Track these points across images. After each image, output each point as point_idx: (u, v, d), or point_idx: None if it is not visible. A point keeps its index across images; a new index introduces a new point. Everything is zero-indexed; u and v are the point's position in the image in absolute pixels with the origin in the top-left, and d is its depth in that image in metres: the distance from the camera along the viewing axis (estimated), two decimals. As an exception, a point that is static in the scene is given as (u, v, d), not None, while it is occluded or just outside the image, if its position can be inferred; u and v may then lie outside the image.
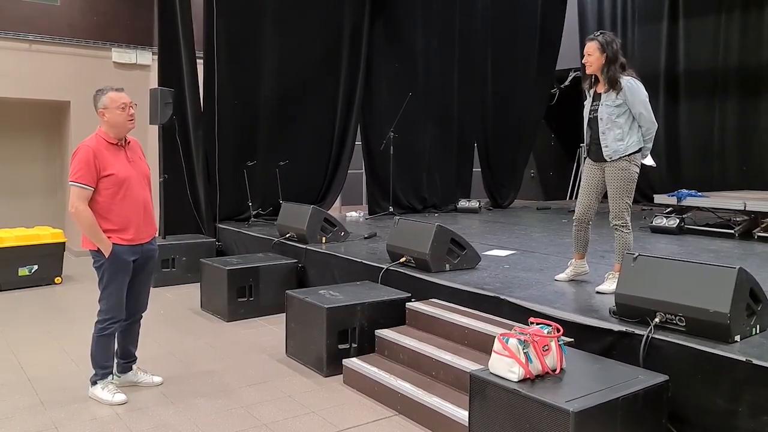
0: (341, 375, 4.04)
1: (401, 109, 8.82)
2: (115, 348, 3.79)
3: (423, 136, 9.63)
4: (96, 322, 3.67)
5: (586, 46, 3.98)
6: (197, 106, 7.71)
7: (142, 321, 3.95)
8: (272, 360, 4.46)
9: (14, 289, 6.56)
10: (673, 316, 3.09)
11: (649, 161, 4.23)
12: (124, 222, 3.59)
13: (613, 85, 3.90)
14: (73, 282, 7.03)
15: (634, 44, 10.87)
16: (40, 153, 9.19)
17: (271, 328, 5.24)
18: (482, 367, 2.98)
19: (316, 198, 8.54)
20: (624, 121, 3.92)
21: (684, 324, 3.06)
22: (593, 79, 4.09)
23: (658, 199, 7.85)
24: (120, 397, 3.65)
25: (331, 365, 4.10)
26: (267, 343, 4.83)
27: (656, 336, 3.07)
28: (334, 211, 8.92)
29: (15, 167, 8.95)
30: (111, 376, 3.74)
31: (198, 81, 7.73)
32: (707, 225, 7.21)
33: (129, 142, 3.74)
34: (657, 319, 3.13)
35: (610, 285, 3.95)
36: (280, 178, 8.05)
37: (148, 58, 8.97)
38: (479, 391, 2.82)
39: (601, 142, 3.99)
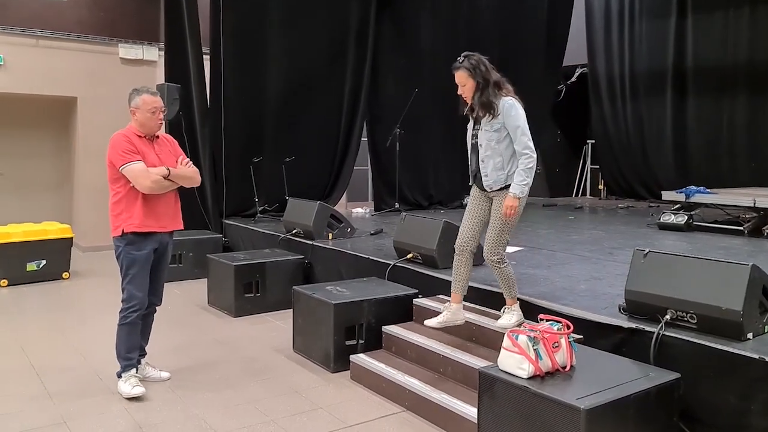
0: (348, 371, 4.03)
1: (407, 106, 8.80)
2: (138, 338, 3.78)
3: (429, 132, 9.60)
4: (119, 311, 3.70)
5: (455, 76, 3.53)
6: (204, 102, 7.71)
7: None
8: (279, 356, 4.46)
9: (22, 284, 6.59)
10: (684, 314, 3.07)
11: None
12: (148, 211, 3.65)
13: (488, 109, 3.47)
14: (81, 277, 7.04)
15: (642, 40, 10.81)
16: (48, 148, 9.21)
17: (278, 324, 5.24)
18: (491, 363, 2.97)
19: (322, 194, 8.53)
20: (504, 148, 3.47)
21: (695, 321, 3.03)
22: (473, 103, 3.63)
23: (666, 195, 7.81)
24: (138, 389, 3.64)
25: (339, 361, 4.09)
26: (274, 339, 4.82)
27: (667, 333, 3.05)
28: (340, 207, 8.91)
29: (22, 162, 8.98)
30: (134, 369, 3.74)
31: (205, 77, 7.73)
32: (716, 222, 7.16)
33: (157, 137, 3.83)
34: (668, 316, 3.11)
35: (508, 319, 3.61)
36: (286, 174, 8.04)
37: (154, 53, 8.97)
38: (488, 387, 2.81)
39: (481, 171, 3.56)
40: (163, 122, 3.79)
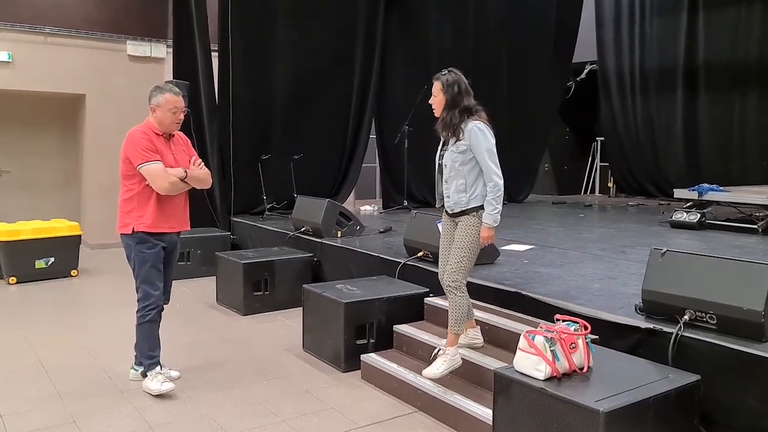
0: (359, 371, 3.99)
1: (416, 103, 8.72)
2: (158, 335, 3.76)
3: (438, 129, 9.53)
4: (136, 311, 3.67)
5: (433, 85, 3.47)
6: (212, 99, 7.68)
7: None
8: (289, 355, 4.42)
9: (31, 281, 6.58)
10: (703, 314, 3.01)
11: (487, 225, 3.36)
12: (160, 211, 3.61)
13: (451, 131, 3.40)
14: (89, 275, 7.04)
15: (652, 37, 10.71)
16: (56, 146, 9.21)
17: (287, 323, 5.20)
18: (506, 364, 2.92)
19: (330, 192, 8.50)
20: (468, 171, 3.37)
21: (715, 322, 2.97)
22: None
23: (678, 193, 7.73)
24: (168, 385, 3.63)
25: (349, 360, 4.06)
26: (283, 338, 4.79)
27: (685, 334, 2.99)
28: (348, 204, 8.87)
29: (31, 160, 8.98)
30: (159, 366, 3.72)
31: (213, 74, 7.69)
32: (728, 220, 7.08)
33: (173, 135, 3.79)
34: (686, 317, 3.05)
35: (438, 366, 3.41)
36: (294, 172, 8.00)
37: (162, 51, 8.95)
38: (504, 389, 2.76)
39: (444, 192, 3.51)
40: (182, 122, 3.73)
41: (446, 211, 3.56)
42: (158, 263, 3.67)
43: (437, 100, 3.46)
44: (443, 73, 3.46)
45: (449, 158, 3.44)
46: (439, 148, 3.58)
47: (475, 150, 3.35)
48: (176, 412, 3.46)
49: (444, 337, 3.80)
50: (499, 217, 3.37)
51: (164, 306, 3.87)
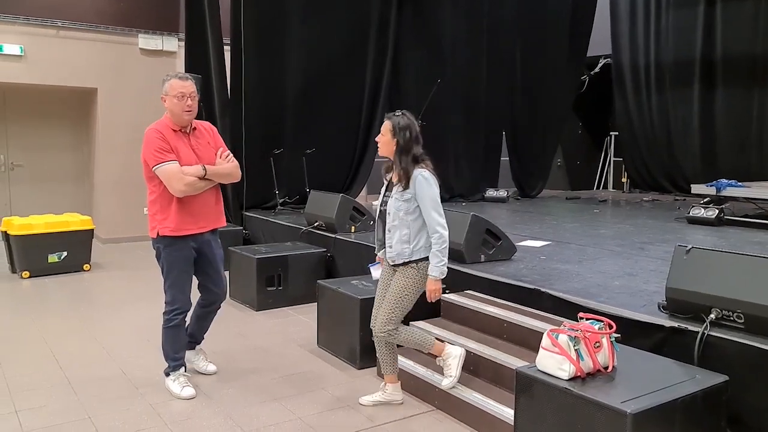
0: (375, 367, 3.95)
1: (429, 97, 8.65)
2: (185, 338, 3.72)
3: (450, 124, 9.45)
4: (162, 313, 3.60)
5: (383, 124, 3.35)
6: (224, 93, 7.64)
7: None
8: (304, 351, 4.39)
9: (44, 275, 6.59)
10: (730, 313, 2.93)
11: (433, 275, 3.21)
12: (184, 212, 3.45)
13: (405, 178, 3.25)
14: (101, 269, 7.04)
15: (668, 30, 10.54)
16: (68, 140, 9.21)
17: (301, 318, 5.17)
18: (527, 363, 2.86)
19: (342, 186, 8.45)
20: (413, 220, 3.24)
21: (743, 321, 2.89)
22: (392, 164, 3.37)
23: (696, 189, 7.61)
24: (188, 391, 3.55)
25: (365, 357, 4.01)
26: (297, 334, 4.76)
27: (712, 333, 2.91)
28: (360, 199, 8.80)
29: (43, 154, 8.99)
30: (183, 368, 3.66)
31: (225, 68, 7.65)
32: (746, 216, 6.97)
33: (195, 128, 3.59)
34: (712, 316, 2.97)
35: (450, 373, 3.40)
36: (307, 167, 7.96)
37: (174, 44, 8.92)
38: (526, 388, 2.70)
39: (386, 241, 3.35)
40: (195, 111, 3.49)
41: (387, 261, 3.40)
42: (188, 267, 3.54)
43: (384, 140, 3.30)
44: (396, 114, 3.34)
45: (393, 206, 3.29)
46: (382, 193, 3.43)
47: (419, 199, 3.22)
48: (191, 409, 3.43)
49: (460, 334, 3.80)
50: (446, 269, 3.24)
51: (221, 303, 3.84)
